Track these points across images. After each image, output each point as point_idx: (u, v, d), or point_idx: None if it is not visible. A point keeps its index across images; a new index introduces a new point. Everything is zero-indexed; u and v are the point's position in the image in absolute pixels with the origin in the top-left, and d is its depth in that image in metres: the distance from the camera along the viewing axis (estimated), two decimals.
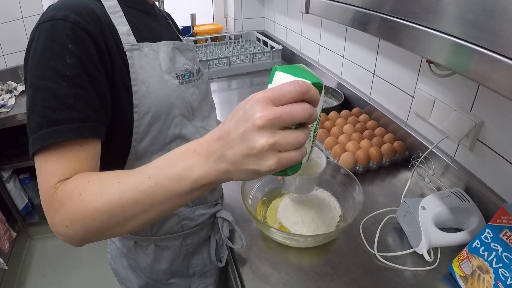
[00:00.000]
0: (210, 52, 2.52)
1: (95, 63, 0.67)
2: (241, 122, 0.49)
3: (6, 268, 2.26)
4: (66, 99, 0.64)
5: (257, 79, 2.28)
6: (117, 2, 0.78)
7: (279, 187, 1.18)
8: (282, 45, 2.43)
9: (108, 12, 0.75)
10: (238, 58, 2.34)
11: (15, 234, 2.43)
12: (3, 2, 2.28)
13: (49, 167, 0.64)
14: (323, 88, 0.55)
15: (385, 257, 0.98)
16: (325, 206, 1.08)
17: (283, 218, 1.05)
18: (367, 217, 1.10)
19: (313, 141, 0.70)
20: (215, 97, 2.01)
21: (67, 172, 0.64)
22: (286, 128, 0.49)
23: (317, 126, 0.67)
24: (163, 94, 0.80)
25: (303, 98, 0.49)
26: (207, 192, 0.88)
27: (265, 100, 0.48)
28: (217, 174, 0.53)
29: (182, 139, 0.87)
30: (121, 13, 0.77)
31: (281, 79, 0.54)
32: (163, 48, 0.84)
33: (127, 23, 0.77)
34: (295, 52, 2.35)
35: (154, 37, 0.84)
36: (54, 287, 2.41)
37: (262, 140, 0.48)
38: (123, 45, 0.74)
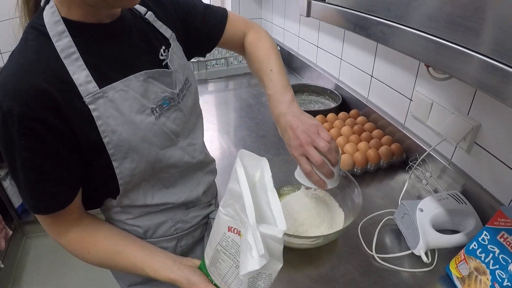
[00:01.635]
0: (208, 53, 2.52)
1: (52, 146, 0.68)
2: None
3: (2, 266, 2.26)
4: (34, 185, 0.71)
5: (254, 79, 2.28)
6: (71, 39, 0.69)
7: (276, 187, 1.18)
8: (280, 47, 2.43)
9: (61, 57, 0.67)
10: (235, 58, 2.34)
11: (11, 232, 2.43)
12: (1, 1, 2.27)
13: (44, 221, 0.79)
14: None
15: (383, 258, 0.99)
16: (328, 209, 1.09)
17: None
18: (365, 219, 1.11)
19: None
20: (213, 98, 2.03)
21: (59, 228, 0.81)
22: None
23: None
24: (138, 139, 0.75)
25: None
26: None
27: None
28: None
29: (169, 167, 0.86)
30: (77, 55, 0.69)
31: None
32: (133, 83, 0.76)
33: (85, 66, 0.69)
34: (292, 53, 2.35)
35: (122, 71, 0.75)
36: (50, 285, 2.40)
37: None
38: (83, 99, 0.69)
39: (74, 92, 0.68)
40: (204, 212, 1.01)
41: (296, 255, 1.00)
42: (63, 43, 0.68)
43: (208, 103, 1.96)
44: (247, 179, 0.68)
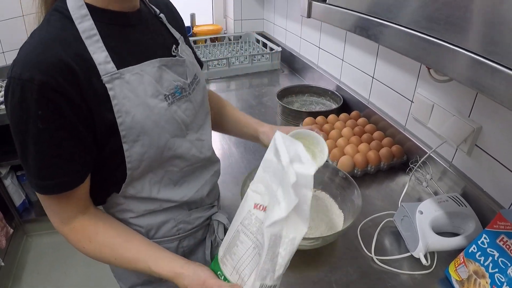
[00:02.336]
0: (210, 53, 2.53)
1: (69, 120, 0.68)
2: None
3: (3, 264, 2.27)
4: (46, 159, 0.70)
5: (256, 80, 2.28)
6: (92, 22, 0.72)
7: None
8: (282, 47, 2.43)
9: (83, 38, 0.70)
10: (237, 59, 2.35)
11: (11, 230, 2.43)
12: (3, 0, 2.28)
13: (50, 206, 0.78)
14: None
15: (382, 261, 0.99)
16: (328, 210, 1.09)
17: None
18: (364, 221, 1.11)
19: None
20: None
21: (65, 214, 0.79)
22: None
23: None
24: (150, 122, 0.77)
25: None
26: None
27: None
28: None
29: (177, 158, 0.86)
30: (98, 37, 0.72)
31: None
32: (149, 68, 0.78)
33: (104, 48, 0.72)
34: (294, 54, 2.35)
35: (139, 57, 0.78)
36: (50, 284, 2.40)
37: None
38: (101, 78, 0.71)
39: (93, 71, 0.70)
40: (207, 213, 1.01)
41: (294, 257, 0.98)
42: (85, 25, 0.71)
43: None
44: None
